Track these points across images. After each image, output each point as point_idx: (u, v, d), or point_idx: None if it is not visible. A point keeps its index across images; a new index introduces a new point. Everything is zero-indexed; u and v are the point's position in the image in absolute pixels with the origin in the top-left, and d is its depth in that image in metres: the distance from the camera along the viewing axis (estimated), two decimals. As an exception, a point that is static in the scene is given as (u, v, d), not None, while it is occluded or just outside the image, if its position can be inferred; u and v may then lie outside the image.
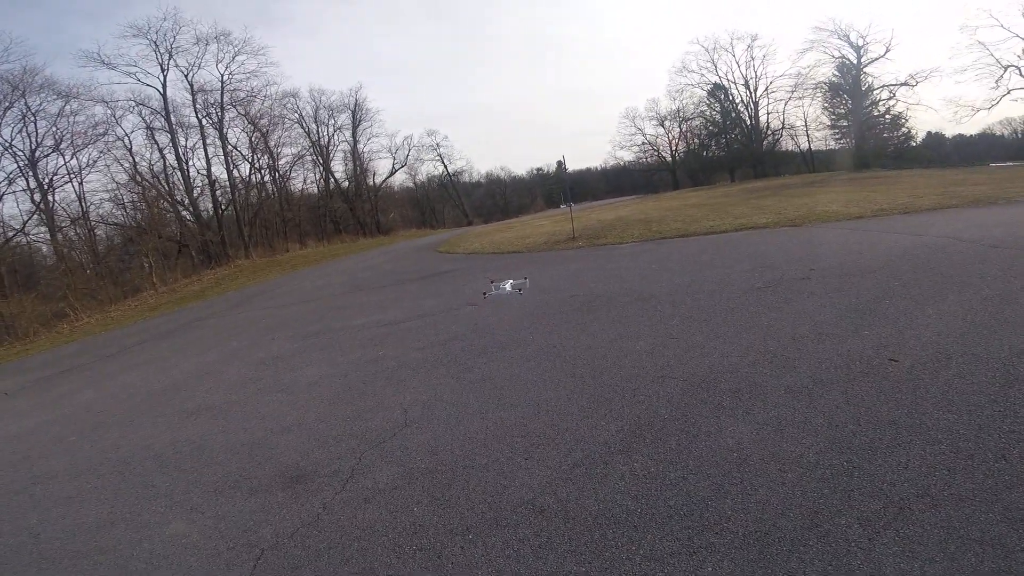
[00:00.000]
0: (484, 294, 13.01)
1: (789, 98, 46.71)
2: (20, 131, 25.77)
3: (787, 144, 49.80)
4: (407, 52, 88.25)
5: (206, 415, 5.17)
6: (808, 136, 48.28)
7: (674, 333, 4.97)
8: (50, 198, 26.39)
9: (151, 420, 5.35)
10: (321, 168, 42.19)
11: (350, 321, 8.48)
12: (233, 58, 32.94)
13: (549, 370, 4.57)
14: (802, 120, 47.96)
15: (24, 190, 25.86)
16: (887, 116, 42.45)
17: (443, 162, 53.12)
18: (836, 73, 43.05)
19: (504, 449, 3.36)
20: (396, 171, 48.81)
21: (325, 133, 42.51)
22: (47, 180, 26.34)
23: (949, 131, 47.91)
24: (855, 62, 41.17)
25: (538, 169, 67.00)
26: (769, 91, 47.94)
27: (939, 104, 47.34)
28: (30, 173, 25.90)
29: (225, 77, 32.91)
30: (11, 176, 25.48)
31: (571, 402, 3.84)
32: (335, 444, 3.91)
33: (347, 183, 43.97)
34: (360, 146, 44.89)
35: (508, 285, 12.99)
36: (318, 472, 3.53)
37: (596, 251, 11.65)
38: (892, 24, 41.45)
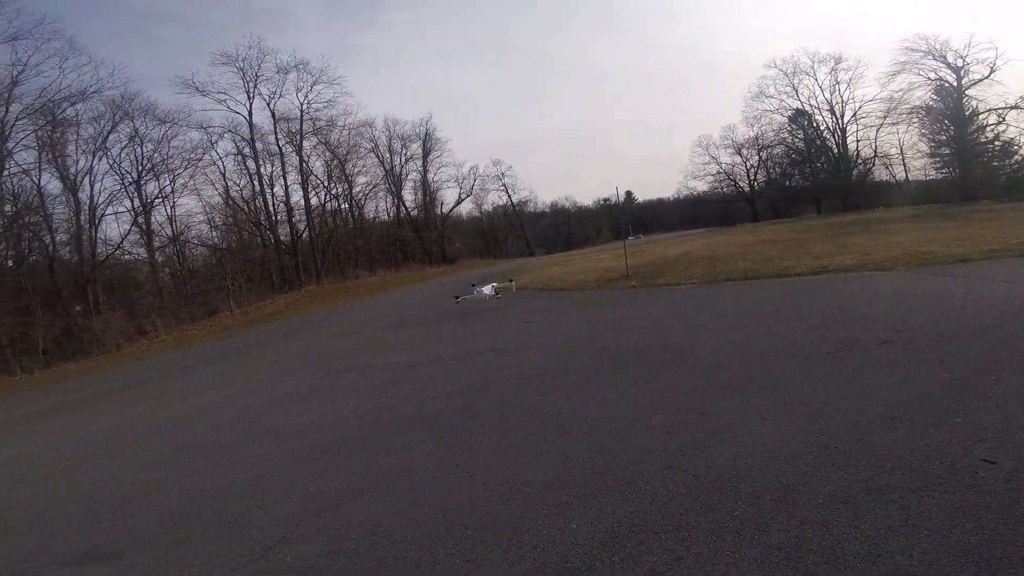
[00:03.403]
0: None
1: (881, 124, 42.69)
2: (128, 153, 28.46)
3: (881, 174, 45.53)
4: (476, 83, 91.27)
5: (187, 455, 5.01)
6: (905, 165, 43.91)
7: (704, 406, 4.10)
8: (148, 218, 28.82)
9: (139, 454, 5.30)
10: (393, 196, 43.75)
11: (375, 360, 8.18)
12: (311, 87, 34.91)
13: (540, 444, 3.86)
14: (897, 148, 43.75)
15: (128, 211, 28.45)
16: (996, 143, 37.47)
17: (507, 192, 53.61)
18: (934, 96, 38.48)
19: (449, 542, 2.74)
20: (462, 200, 49.77)
21: (398, 162, 44.15)
22: (149, 200, 28.89)
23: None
24: (955, 84, 36.81)
25: (605, 199, 65.52)
26: (858, 117, 44.20)
27: (1060, 127, 40.99)
28: (135, 193, 28.52)
29: (304, 106, 34.92)
30: (115, 195, 27.97)
31: (548, 490, 3.12)
32: (279, 505, 3.56)
33: (416, 212, 45.26)
34: (429, 175, 46.20)
35: (488, 288, 12.19)
36: (249, 535, 3.21)
37: (648, 293, 10.75)
38: (998, 41, 35.95)
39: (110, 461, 5.23)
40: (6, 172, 23.15)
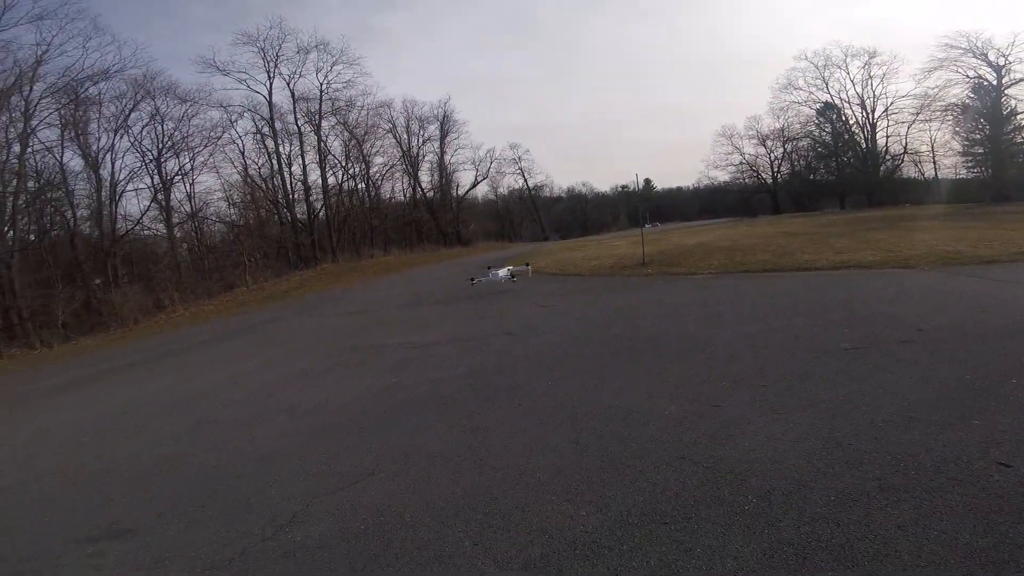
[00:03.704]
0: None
1: (913, 120, 41.76)
2: (149, 131, 28.96)
3: (909, 171, 44.61)
4: (493, 67, 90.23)
5: (205, 430, 5.07)
6: (935, 163, 42.89)
7: (717, 399, 4.07)
8: (167, 194, 29.31)
9: (157, 429, 5.35)
10: (410, 177, 43.76)
11: (388, 339, 8.25)
12: (331, 67, 35.06)
13: (552, 430, 3.87)
14: (928, 145, 42.72)
15: (148, 187, 28.99)
16: (1033, 143, 36.47)
17: (524, 176, 53.32)
18: (971, 95, 37.58)
19: (457, 524, 2.78)
20: (478, 183, 49.64)
21: (415, 143, 44.07)
22: (169, 178, 29.39)
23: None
24: (994, 83, 35.71)
25: (623, 186, 64.81)
26: (889, 112, 43.25)
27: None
28: (155, 171, 28.98)
29: (324, 86, 35.04)
30: (135, 172, 28.61)
31: (559, 476, 3.14)
32: (293, 483, 3.60)
33: (432, 193, 45.24)
34: (446, 157, 46.11)
35: (504, 271, 11.97)
36: (261, 513, 3.25)
37: (664, 281, 10.66)
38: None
39: (127, 437, 5.29)
40: (29, 149, 23.65)
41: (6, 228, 22.79)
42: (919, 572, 2.03)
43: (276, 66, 33.30)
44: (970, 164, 40.84)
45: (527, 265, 13.18)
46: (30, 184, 24.32)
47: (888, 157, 44.66)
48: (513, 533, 2.63)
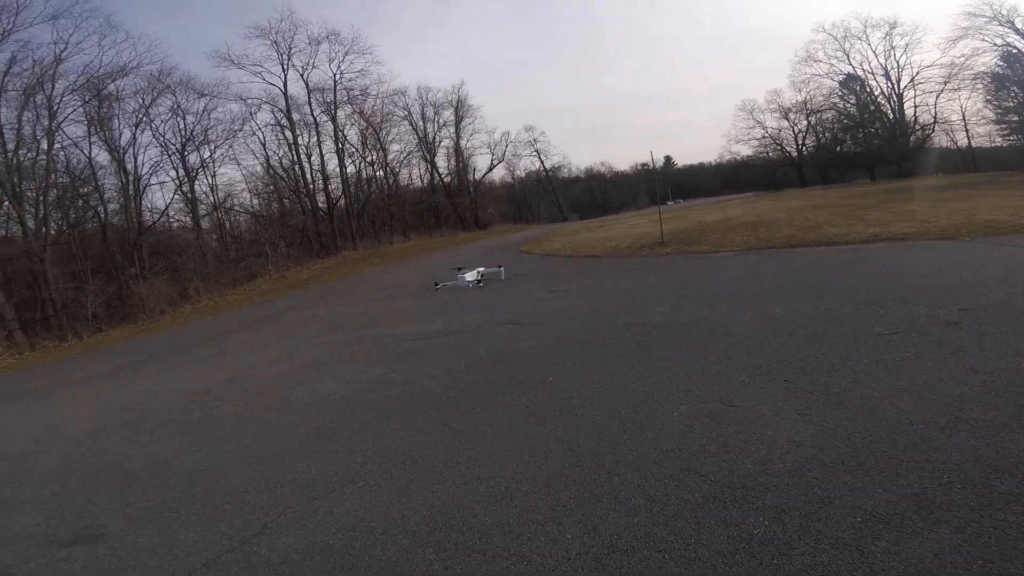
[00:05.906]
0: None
1: (941, 90, 40.00)
2: (171, 125, 29.49)
3: (941, 140, 42.91)
4: (504, 51, 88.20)
5: (201, 428, 4.97)
6: (967, 132, 41.16)
7: (734, 397, 3.68)
8: (191, 186, 29.89)
9: (153, 427, 5.28)
10: (427, 163, 43.61)
11: (395, 329, 8.05)
12: (343, 57, 35.00)
13: (549, 434, 3.55)
14: (959, 114, 40.94)
15: (172, 180, 29.68)
16: (1068, 109, 34.63)
17: (540, 158, 52.75)
18: (1001, 62, 35.99)
19: (430, 545, 2.53)
20: (495, 167, 49.37)
21: (431, 130, 43.87)
22: (192, 170, 29.93)
23: None
24: None
25: (643, 164, 63.57)
26: (915, 82, 41.52)
27: None
28: (178, 163, 29.57)
29: (337, 76, 35.08)
30: (159, 165, 29.28)
31: (547, 490, 2.82)
32: (272, 490, 3.43)
33: (449, 178, 45.05)
34: (462, 142, 45.86)
35: (471, 275, 11.16)
36: (232, 521, 3.11)
37: (683, 261, 10.18)
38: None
39: (123, 435, 5.23)
40: (57, 145, 24.32)
41: (40, 224, 23.49)
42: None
43: (289, 58, 33.41)
44: (1005, 132, 39.14)
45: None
46: (61, 179, 25.07)
47: (917, 127, 43.00)
48: (489, 557, 2.35)
